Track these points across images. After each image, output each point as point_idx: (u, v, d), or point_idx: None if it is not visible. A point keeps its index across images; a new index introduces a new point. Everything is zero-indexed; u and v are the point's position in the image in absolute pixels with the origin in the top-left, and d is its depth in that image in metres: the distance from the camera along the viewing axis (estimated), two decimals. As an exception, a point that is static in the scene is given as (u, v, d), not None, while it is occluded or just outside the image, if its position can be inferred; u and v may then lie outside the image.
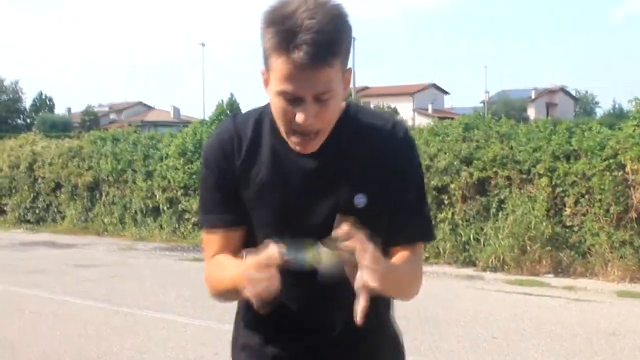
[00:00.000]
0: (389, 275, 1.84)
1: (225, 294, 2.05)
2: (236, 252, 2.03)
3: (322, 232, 1.88)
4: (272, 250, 1.80)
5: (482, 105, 72.79)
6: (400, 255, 2.06)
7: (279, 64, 1.86)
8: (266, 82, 1.96)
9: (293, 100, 1.88)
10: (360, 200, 2.01)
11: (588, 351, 7.34)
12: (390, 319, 2.26)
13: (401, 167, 2.06)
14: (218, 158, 2.08)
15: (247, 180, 2.06)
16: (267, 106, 2.04)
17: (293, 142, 1.97)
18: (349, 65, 1.97)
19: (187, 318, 8.80)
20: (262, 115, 2.09)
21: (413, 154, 2.12)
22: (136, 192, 17.68)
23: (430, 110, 73.57)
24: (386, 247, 2.02)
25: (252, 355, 2.20)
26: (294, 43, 1.81)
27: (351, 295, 1.83)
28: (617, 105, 72.55)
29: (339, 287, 1.87)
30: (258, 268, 1.80)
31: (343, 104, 2.06)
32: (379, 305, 2.08)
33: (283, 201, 2.03)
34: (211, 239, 2.12)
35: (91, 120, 73.09)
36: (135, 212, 17.77)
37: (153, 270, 12.60)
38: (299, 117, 1.89)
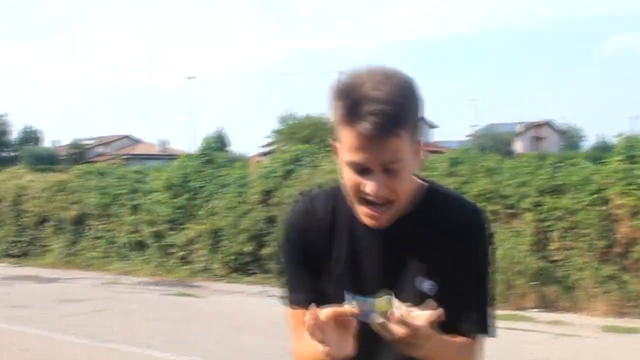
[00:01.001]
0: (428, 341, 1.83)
1: None
2: None
3: None
4: (346, 308, 1.83)
5: (469, 138, 73.01)
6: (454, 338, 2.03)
7: (346, 135, 1.88)
8: (337, 153, 1.98)
9: (362, 170, 1.89)
10: (428, 287, 2.02)
11: (574, 387, 7.34)
12: None
13: (468, 255, 2.04)
14: (297, 237, 2.12)
15: (326, 261, 2.08)
16: (342, 186, 2.05)
17: (364, 213, 1.97)
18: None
19: (172, 354, 8.75)
20: (336, 195, 2.10)
21: (483, 242, 2.08)
22: (122, 226, 17.66)
23: (417, 144, 73.64)
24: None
25: None
26: (359, 114, 1.83)
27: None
28: (602, 139, 72.87)
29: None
30: (332, 327, 1.82)
31: (423, 185, 2.09)
32: None
33: (358, 283, 2.04)
34: (295, 314, 2.12)
35: (78, 153, 72.92)
36: (121, 246, 17.73)
37: (138, 305, 12.53)
38: (369, 187, 1.90)
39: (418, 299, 1.95)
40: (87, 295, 13.74)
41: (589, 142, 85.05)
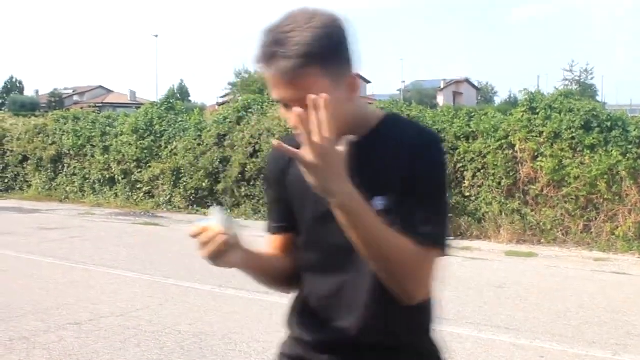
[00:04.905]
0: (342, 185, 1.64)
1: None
2: (282, 251, 1.98)
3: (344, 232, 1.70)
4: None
5: (398, 93, 73.13)
6: None
7: (266, 75, 1.73)
8: None
9: (285, 105, 1.75)
10: (378, 202, 1.78)
11: (479, 301, 7.48)
12: (428, 334, 1.96)
13: (424, 172, 1.79)
14: (268, 174, 2.06)
15: (290, 186, 1.95)
16: None
17: (301, 141, 1.76)
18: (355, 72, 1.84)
19: (136, 274, 8.71)
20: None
21: (438, 162, 1.84)
22: (94, 164, 17.44)
23: (354, 97, 73.59)
24: None
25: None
26: (271, 55, 1.69)
27: (368, 303, 1.81)
28: (512, 95, 73.55)
29: (354, 291, 1.81)
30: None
31: (382, 114, 1.91)
32: (413, 317, 1.89)
33: (313, 203, 1.85)
34: (269, 239, 2.06)
35: (57, 101, 71.44)
36: (94, 182, 17.54)
37: (108, 233, 12.42)
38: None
39: None
40: (64, 224, 13.57)
41: (501, 98, 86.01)
